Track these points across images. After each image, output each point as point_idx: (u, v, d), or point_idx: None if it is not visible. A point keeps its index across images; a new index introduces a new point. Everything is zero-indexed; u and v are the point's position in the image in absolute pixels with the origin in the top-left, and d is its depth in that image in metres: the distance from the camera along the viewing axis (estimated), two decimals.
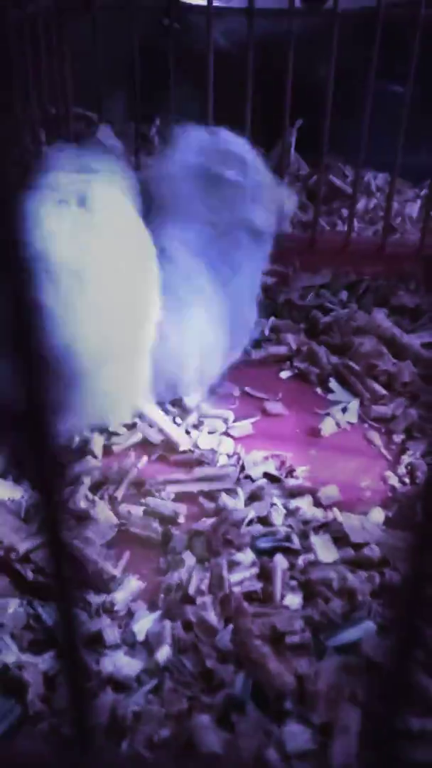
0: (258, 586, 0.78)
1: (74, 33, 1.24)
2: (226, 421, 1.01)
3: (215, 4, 1.17)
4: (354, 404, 1.05)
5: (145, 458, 0.94)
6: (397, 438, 1.00)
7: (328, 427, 1.01)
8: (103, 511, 0.85)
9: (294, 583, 0.78)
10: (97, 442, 0.95)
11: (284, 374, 1.13)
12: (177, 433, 0.96)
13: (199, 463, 0.93)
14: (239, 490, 0.89)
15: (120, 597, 0.76)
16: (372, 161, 1.44)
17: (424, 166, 1.44)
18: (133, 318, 0.86)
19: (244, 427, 1.01)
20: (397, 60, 1.18)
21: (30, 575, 0.77)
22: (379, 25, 1.14)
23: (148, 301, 0.87)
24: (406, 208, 1.47)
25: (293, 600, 0.76)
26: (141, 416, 0.98)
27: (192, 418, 1.00)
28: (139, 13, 1.21)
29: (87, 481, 0.89)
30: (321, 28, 1.20)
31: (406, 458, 0.96)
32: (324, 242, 1.30)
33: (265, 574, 0.79)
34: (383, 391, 1.06)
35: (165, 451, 0.95)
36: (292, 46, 1.16)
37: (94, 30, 1.18)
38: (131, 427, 0.98)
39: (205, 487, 0.90)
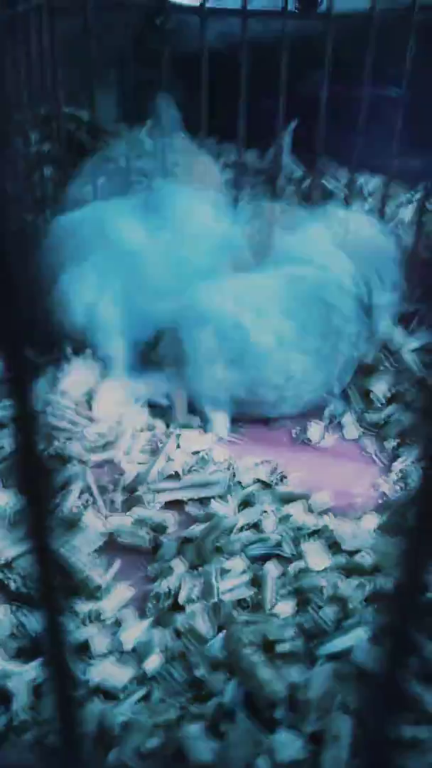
0: (249, 593, 0.77)
1: (66, 32, 1.23)
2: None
3: (209, 5, 1.17)
4: (347, 410, 1.04)
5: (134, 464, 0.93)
6: (390, 444, 0.99)
7: (320, 433, 1.01)
8: (91, 519, 0.83)
9: (285, 590, 0.77)
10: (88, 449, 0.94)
11: None
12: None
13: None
14: (230, 496, 0.88)
15: (108, 605, 0.75)
16: (366, 164, 1.43)
17: (418, 169, 1.43)
18: None
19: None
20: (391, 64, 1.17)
21: (15, 583, 0.75)
22: (373, 29, 1.13)
23: None
24: (399, 212, 1.46)
25: (285, 607, 0.75)
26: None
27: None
28: (132, 12, 1.20)
29: (75, 488, 0.87)
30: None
31: (398, 464, 0.95)
32: None
33: (257, 582, 0.78)
34: (376, 398, 1.05)
35: None
36: (286, 49, 1.15)
37: (86, 29, 1.18)
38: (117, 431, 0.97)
39: (196, 494, 0.89)
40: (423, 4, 1.15)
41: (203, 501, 0.88)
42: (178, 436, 0.97)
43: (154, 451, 0.95)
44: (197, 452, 0.95)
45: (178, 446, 0.96)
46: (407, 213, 1.43)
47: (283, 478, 0.93)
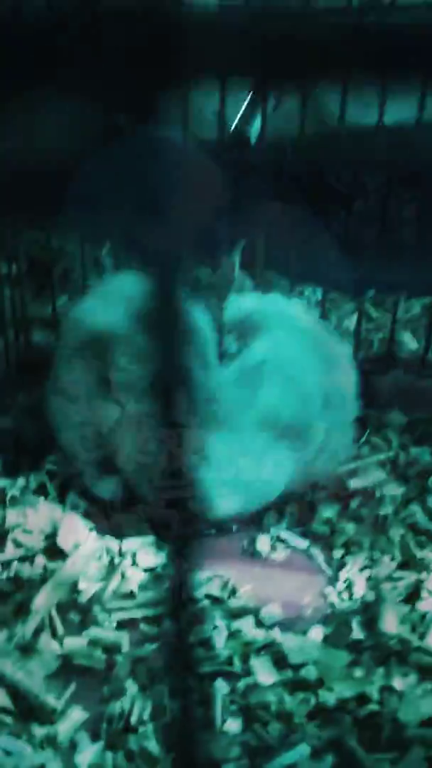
0: (199, 712, 0.79)
1: None
2: None
3: None
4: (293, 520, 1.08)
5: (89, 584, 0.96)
6: (337, 553, 1.03)
7: (269, 544, 1.05)
8: (47, 642, 0.86)
9: (234, 707, 0.80)
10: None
11: None
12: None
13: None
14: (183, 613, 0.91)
15: (63, 728, 0.78)
16: (312, 277, 1.51)
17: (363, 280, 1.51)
18: None
19: None
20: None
21: None
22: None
23: None
24: (344, 321, 1.54)
25: (233, 725, 0.78)
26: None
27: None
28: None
29: (32, 611, 0.90)
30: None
31: (344, 574, 0.99)
32: None
33: (206, 700, 0.81)
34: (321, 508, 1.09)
35: None
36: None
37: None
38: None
39: (149, 612, 0.92)
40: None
41: (157, 618, 0.91)
42: (134, 554, 1.01)
43: (111, 570, 0.98)
44: (152, 569, 0.99)
45: (134, 564, 0.99)
46: (351, 323, 1.50)
47: (234, 591, 0.96)
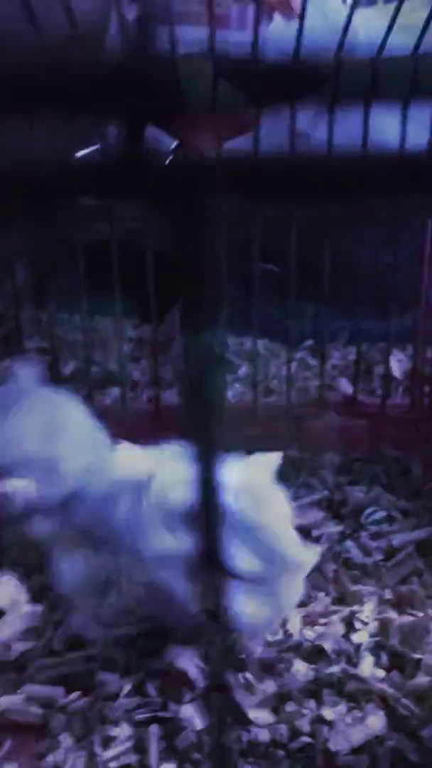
0: (134, 758, 0.80)
1: None
2: None
3: None
4: None
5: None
6: None
7: None
8: None
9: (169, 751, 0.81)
10: None
11: None
12: None
13: None
14: None
15: None
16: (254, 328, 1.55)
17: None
18: None
19: None
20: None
21: None
22: None
23: None
24: (282, 370, 1.57)
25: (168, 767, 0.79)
26: None
27: None
28: None
29: None
30: None
31: None
32: None
33: (141, 746, 0.81)
34: None
35: None
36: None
37: None
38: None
39: (83, 667, 0.92)
40: None
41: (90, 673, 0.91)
42: None
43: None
44: None
45: None
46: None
47: None
